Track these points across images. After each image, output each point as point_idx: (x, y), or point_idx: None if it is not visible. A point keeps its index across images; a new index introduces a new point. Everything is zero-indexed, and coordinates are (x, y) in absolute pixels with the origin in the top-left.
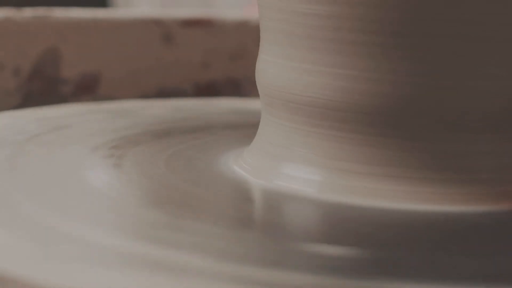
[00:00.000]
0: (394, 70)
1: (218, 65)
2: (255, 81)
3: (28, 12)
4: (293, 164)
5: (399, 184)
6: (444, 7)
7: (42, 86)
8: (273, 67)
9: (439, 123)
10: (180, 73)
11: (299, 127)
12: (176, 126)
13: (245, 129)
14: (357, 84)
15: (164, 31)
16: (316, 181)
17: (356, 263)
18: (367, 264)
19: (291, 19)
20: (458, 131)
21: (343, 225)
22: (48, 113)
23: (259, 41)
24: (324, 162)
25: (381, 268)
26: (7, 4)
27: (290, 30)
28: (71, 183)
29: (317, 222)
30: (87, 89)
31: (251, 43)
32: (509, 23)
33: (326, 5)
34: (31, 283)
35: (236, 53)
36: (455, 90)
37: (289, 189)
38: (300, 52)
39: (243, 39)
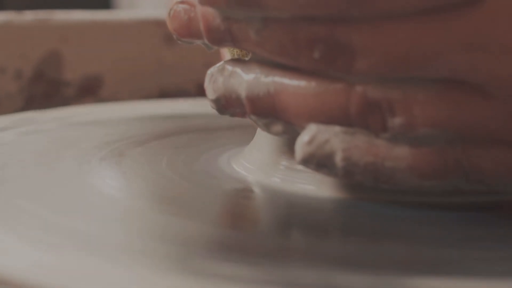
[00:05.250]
0: None
1: None
2: None
3: (29, 15)
4: (293, 161)
5: None
6: None
7: (45, 88)
8: None
9: None
10: (183, 74)
11: None
12: (176, 127)
13: (244, 128)
14: None
15: (166, 32)
16: (316, 178)
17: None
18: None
19: None
20: None
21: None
22: (50, 115)
23: None
24: None
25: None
26: (8, 8)
27: None
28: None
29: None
30: (89, 91)
31: None
32: None
33: None
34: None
35: None
36: None
37: (288, 185)
38: None
39: None
